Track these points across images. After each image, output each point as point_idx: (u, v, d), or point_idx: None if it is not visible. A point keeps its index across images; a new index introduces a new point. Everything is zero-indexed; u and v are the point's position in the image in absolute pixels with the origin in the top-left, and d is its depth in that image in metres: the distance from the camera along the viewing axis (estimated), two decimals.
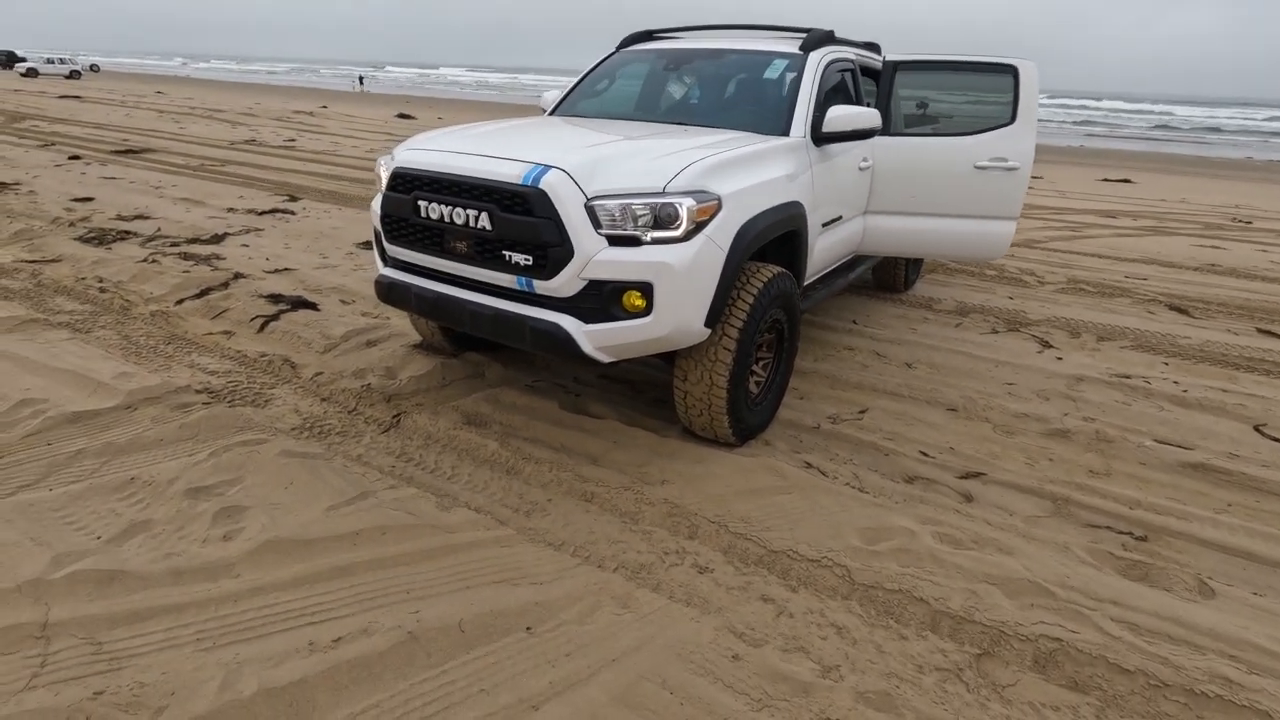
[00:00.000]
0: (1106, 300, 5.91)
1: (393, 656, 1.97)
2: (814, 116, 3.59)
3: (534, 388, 3.72)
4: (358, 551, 2.40)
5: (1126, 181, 14.15)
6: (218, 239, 6.43)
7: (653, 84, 4.26)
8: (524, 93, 52.58)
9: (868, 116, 3.50)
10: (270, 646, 1.99)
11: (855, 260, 4.76)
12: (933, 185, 4.31)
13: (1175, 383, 4.23)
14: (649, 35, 4.48)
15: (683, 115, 3.97)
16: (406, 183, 2.94)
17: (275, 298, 4.84)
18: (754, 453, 3.20)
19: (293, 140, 14.34)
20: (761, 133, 3.50)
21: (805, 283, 3.83)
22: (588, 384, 3.89)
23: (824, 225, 3.82)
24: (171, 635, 2.02)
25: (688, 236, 2.67)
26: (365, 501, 2.66)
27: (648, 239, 2.65)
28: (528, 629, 2.12)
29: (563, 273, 2.65)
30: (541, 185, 2.60)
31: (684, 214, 2.63)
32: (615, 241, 2.65)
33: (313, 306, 4.76)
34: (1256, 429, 3.70)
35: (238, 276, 5.30)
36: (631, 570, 2.43)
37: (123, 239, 6.30)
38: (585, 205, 2.63)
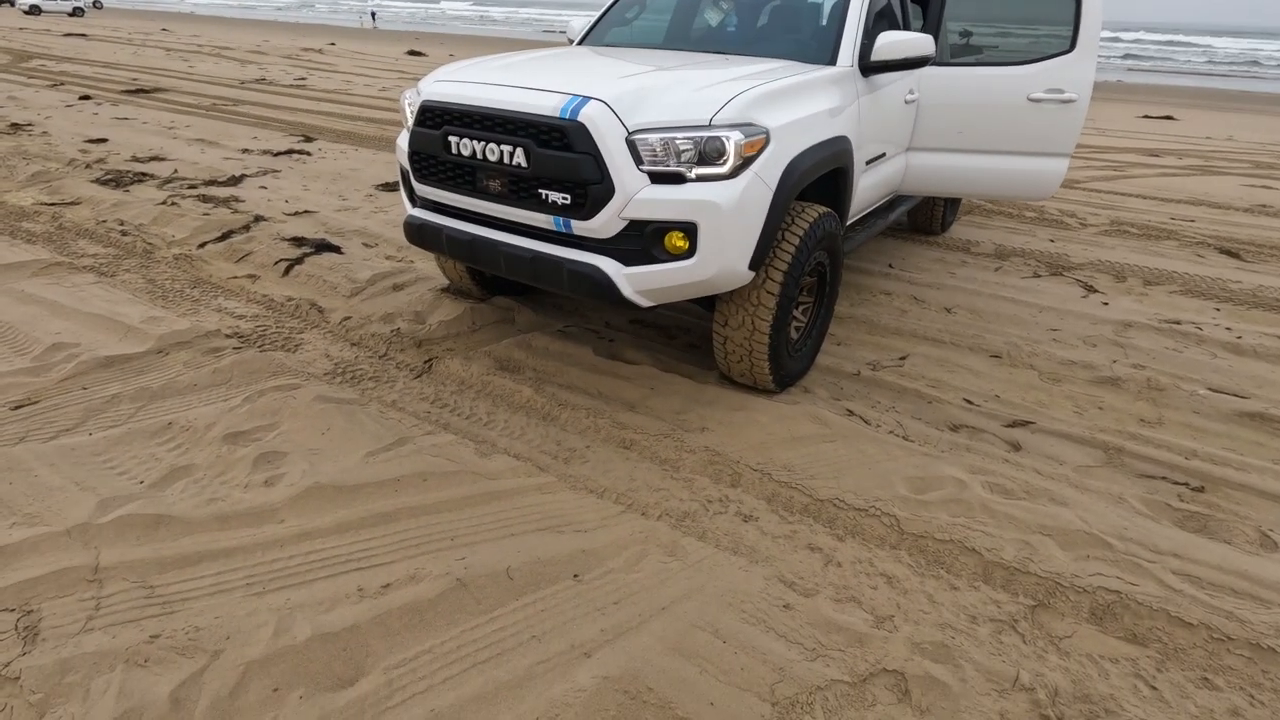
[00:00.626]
0: (1152, 243, 5.67)
1: (442, 603, 1.96)
2: (862, 44, 3.36)
3: (566, 333, 3.65)
4: (400, 498, 2.38)
5: (1169, 119, 13.50)
6: (235, 180, 6.30)
7: (687, 11, 4.01)
8: (529, 28, 50.78)
9: (921, 43, 3.27)
10: (319, 592, 1.99)
11: (895, 201, 4.57)
12: (982, 119, 4.07)
13: (1228, 329, 4.08)
14: None
15: (721, 44, 3.74)
16: (436, 117, 2.80)
17: (298, 240, 4.75)
18: (794, 400, 3.13)
19: (303, 79, 13.96)
20: (806, 61, 3.29)
21: (847, 223, 3.67)
22: (620, 329, 3.80)
23: (868, 163, 3.64)
24: (221, 580, 2.02)
25: (735, 173, 2.53)
26: (404, 448, 2.63)
27: (692, 176, 2.51)
28: (575, 576, 2.11)
29: (602, 212, 2.53)
30: (580, 118, 2.46)
31: (731, 149, 2.49)
32: (658, 179, 2.52)
33: (336, 250, 4.66)
34: None
35: (258, 219, 5.20)
36: (676, 518, 2.40)
37: (140, 181, 6.19)
38: (626, 139, 2.48)
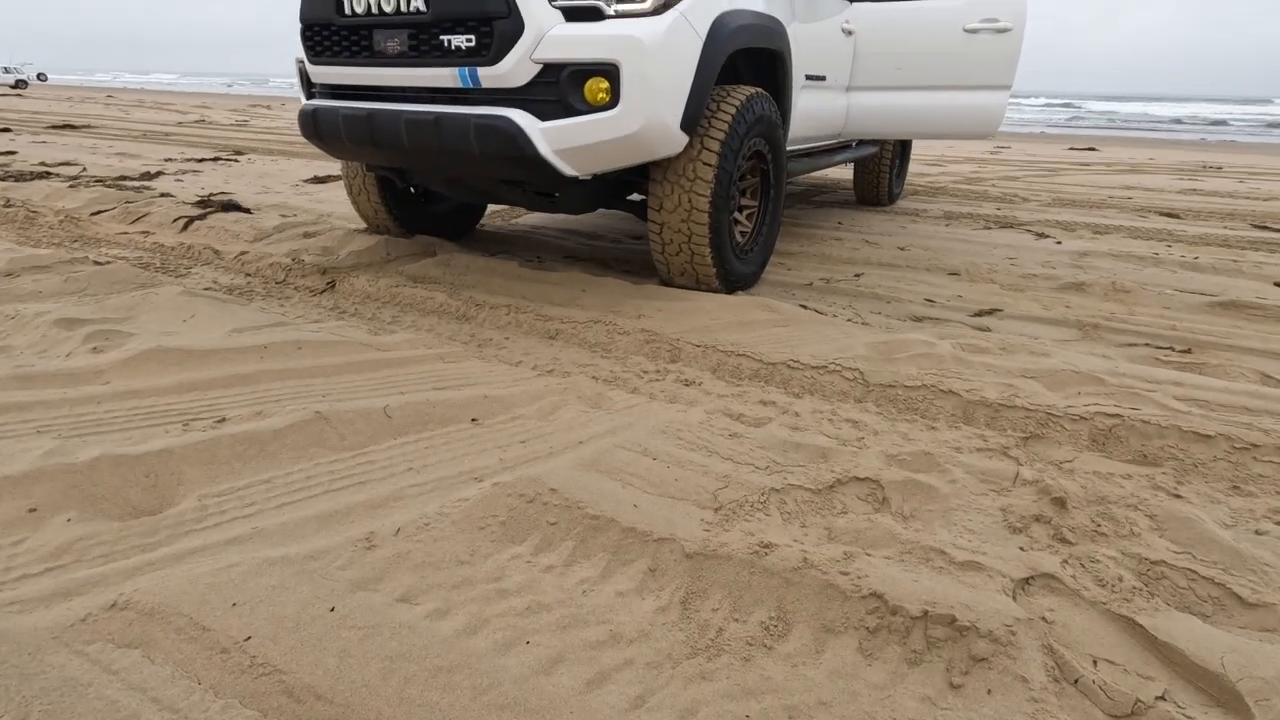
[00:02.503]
0: (1095, 210, 5.68)
1: (294, 435, 1.53)
2: None
3: (493, 256, 3.30)
4: (265, 363, 1.95)
5: (1092, 150, 14.21)
6: (149, 176, 5.90)
7: None
8: None
9: None
10: (133, 435, 1.54)
11: (842, 146, 4.44)
12: (919, 54, 4.01)
13: (1183, 256, 3.96)
14: None
15: None
16: None
17: (203, 203, 4.35)
18: (743, 296, 2.82)
19: (246, 121, 13.77)
20: None
21: (788, 144, 3.48)
22: (553, 260, 3.48)
23: (808, 79, 3.48)
24: (3, 428, 1.55)
25: (658, 10, 2.29)
26: (281, 328, 2.22)
27: (611, 11, 2.27)
28: (473, 420, 1.70)
29: (511, 53, 2.25)
30: None
31: None
32: (572, 15, 2.27)
33: (245, 210, 4.28)
34: (1277, 284, 3.42)
35: (165, 195, 4.80)
36: (603, 380, 2.02)
37: (43, 178, 5.75)
38: None
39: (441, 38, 2.34)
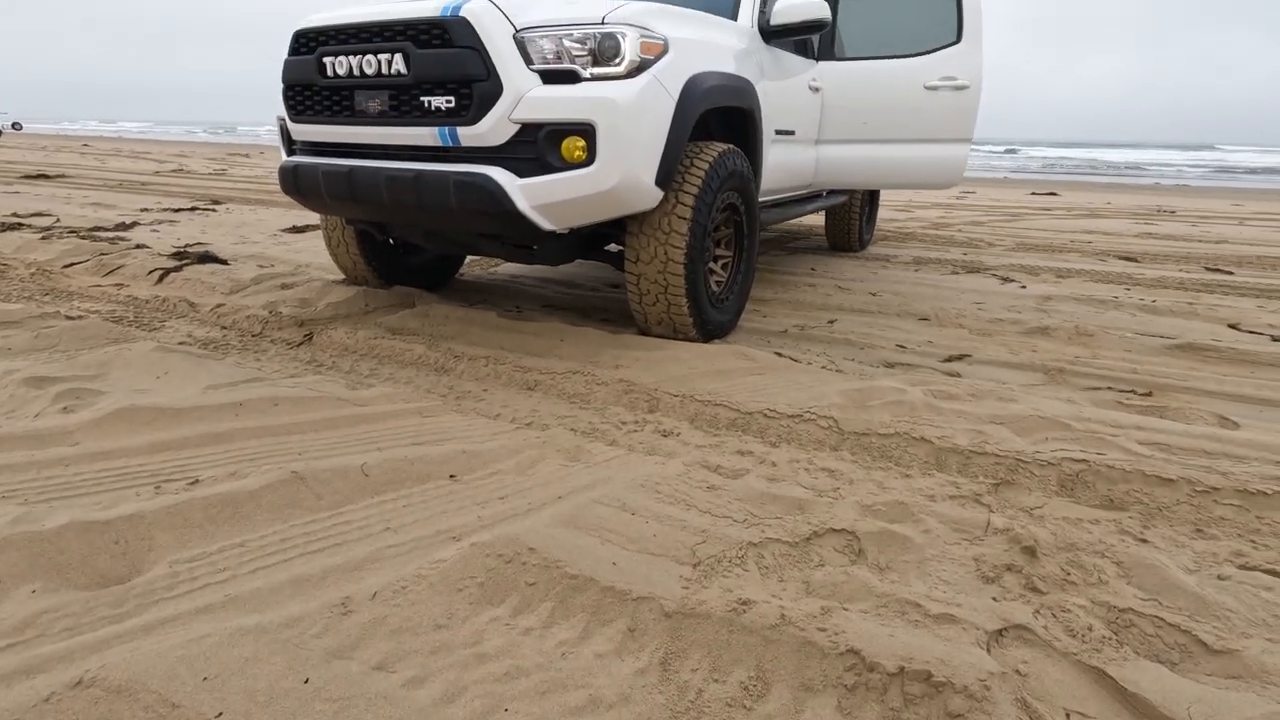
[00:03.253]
0: (1057, 254, 5.88)
1: (269, 495, 1.51)
2: (760, 13, 3.42)
3: (470, 306, 3.33)
4: (240, 420, 1.93)
5: (1053, 194, 14.76)
6: (125, 227, 5.88)
7: None
8: None
9: (815, 7, 3.34)
10: (102, 500, 1.51)
11: (814, 195, 4.58)
12: (884, 109, 4.19)
13: (1142, 299, 4.11)
14: None
15: None
16: (310, 41, 2.60)
17: (179, 254, 4.34)
18: (719, 344, 2.86)
19: (224, 170, 13.82)
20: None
21: (761, 195, 3.59)
22: (532, 314, 3.51)
23: (778, 133, 3.62)
24: None
25: (632, 74, 2.39)
26: (257, 384, 2.21)
27: (587, 75, 2.36)
28: (451, 477, 1.70)
29: (490, 114, 2.32)
30: (463, 13, 2.30)
31: (627, 46, 2.36)
32: (550, 78, 2.35)
33: (221, 262, 4.28)
34: (1231, 326, 3.56)
35: (140, 247, 4.78)
36: (582, 432, 2.03)
37: (14, 229, 5.70)
38: (514, 37, 2.33)
39: (422, 99, 2.40)
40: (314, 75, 2.59)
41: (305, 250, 5.04)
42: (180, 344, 2.69)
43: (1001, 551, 1.43)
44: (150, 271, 3.98)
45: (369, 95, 2.51)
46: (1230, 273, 5.13)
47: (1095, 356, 2.97)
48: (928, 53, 4.15)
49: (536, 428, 2.04)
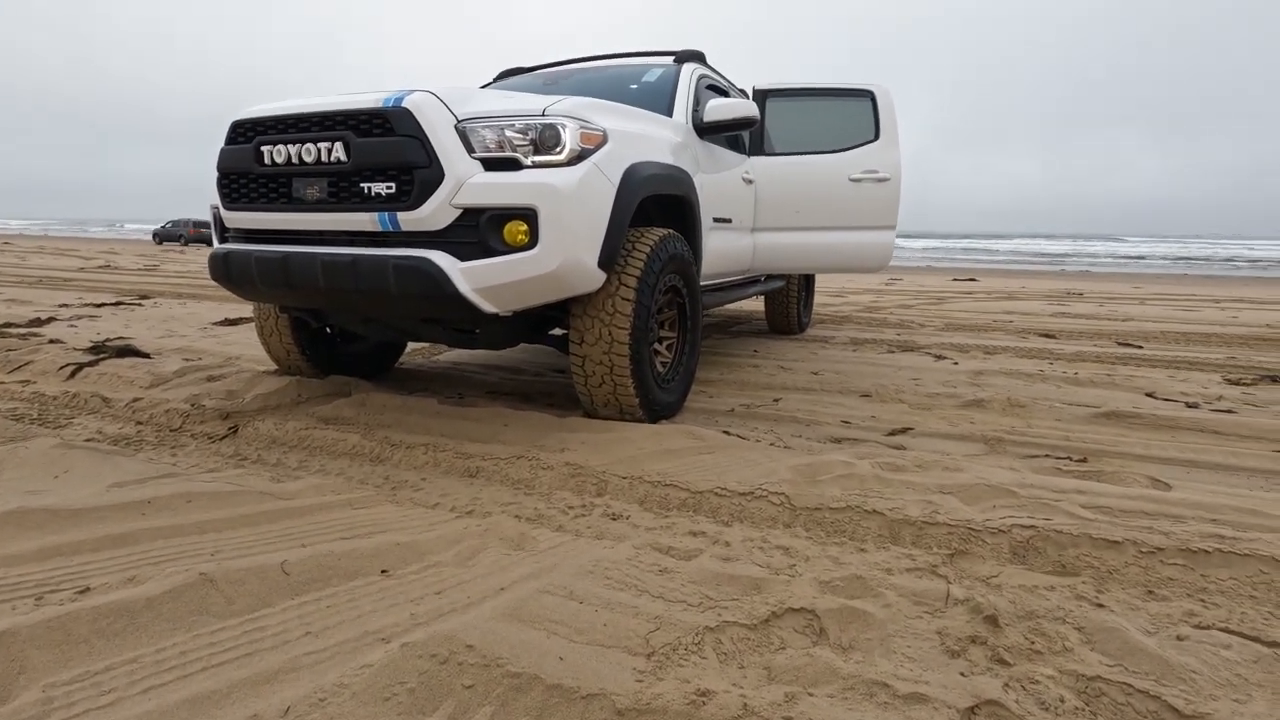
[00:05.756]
0: (983, 333, 6.19)
1: (171, 602, 1.35)
2: (694, 111, 3.63)
3: (410, 394, 3.22)
4: (147, 520, 1.76)
5: (973, 280, 15.77)
6: (39, 323, 5.57)
7: None
8: None
9: (745, 106, 3.57)
10: None
11: (752, 280, 4.73)
12: (813, 200, 4.44)
13: (1064, 372, 4.32)
14: (526, 70, 4.54)
15: None
16: (248, 130, 2.59)
17: (97, 348, 4.10)
18: (667, 425, 2.82)
19: (156, 266, 13.45)
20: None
21: (702, 280, 3.68)
22: (474, 396, 3.42)
23: (715, 221, 3.76)
24: None
25: (573, 161, 2.45)
26: (170, 480, 2.03)
27: (528, 163, 2.41)
28: (383, 572, 1.56)
29: (431, 199, 2.33)
30: (405, 104, 2.34)
31: (567, 136, 2.43)
32: (491, 165, 2.39)
33: (143, 355, 4.06)
34: (1149, 394, 3.76)
35: (54, 342, 4.51)
36: (526, 519, 1.93)
37: None
38: (456, 127, 2.38)
39: (362, 185, 2.40)
40: (250, 163, 2.57)
41: (237, 342, 4.86)
42: (87, 441, 2.48)
43: (964, 623, 1.38)
44: (62, 367, 3.73)
45: (307, 182, 2.50)
46: (1140, 347, 5.48)
47: (1029, 426, 3.06)
48: (850, 149, 4.46)
49: (478, 516, 1.93)
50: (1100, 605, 1.55)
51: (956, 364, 4.58)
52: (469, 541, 1.72)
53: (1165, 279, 17.47)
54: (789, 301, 5.66)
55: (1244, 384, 4.08)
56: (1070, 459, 2.56)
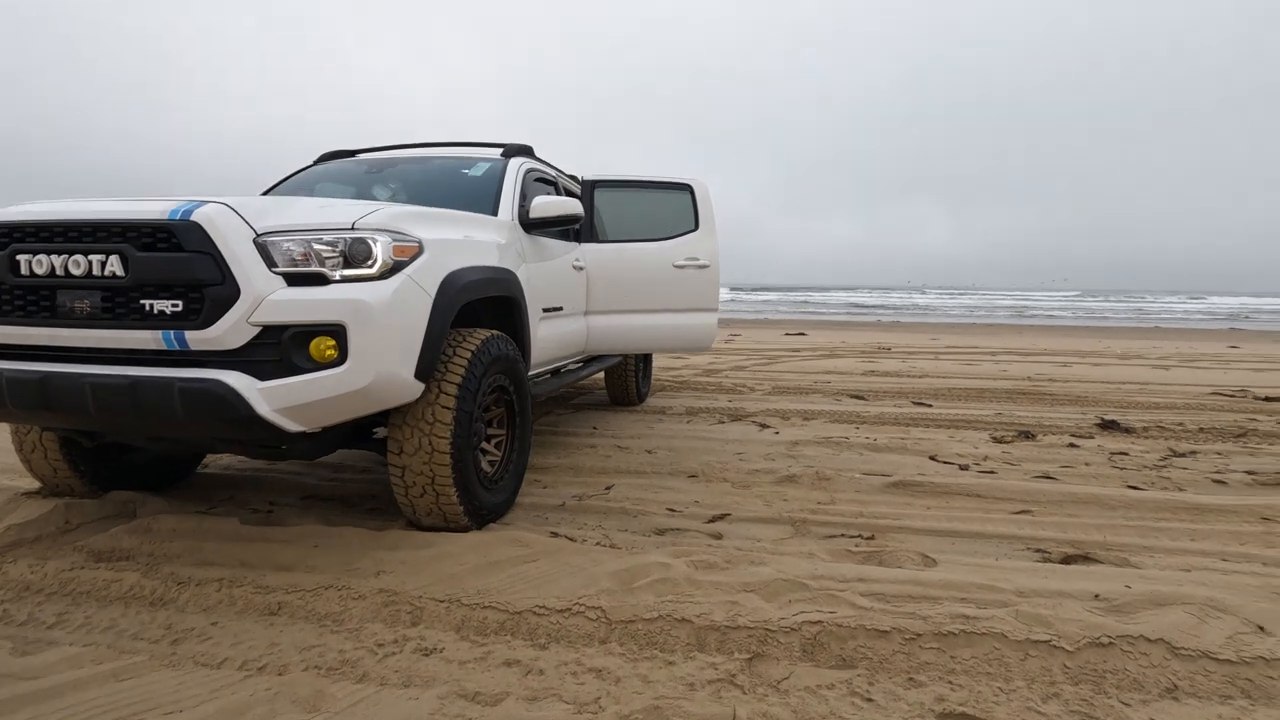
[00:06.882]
0: (804, 396, 6.76)
1: None
2: (520, 207, 3.73)
3: (208, 514, 2.93)
4: None
5: (802, 334, 17.22)
6: None
7: (356, 189, 4.14)
8: None
9: (571, 204, 3.73)
10: None
11: (590, 360, 4.85)
12: (641, 284, 4.68)
13: (866, 438, 4.83)
14: (348, 153, 4.44)
15: None
16: (2, 236, 2.31)
17: None
18: (493, 530, 2.80)
19: None
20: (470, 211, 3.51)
21: (533, 369, 3.73)
22: (287, 505, 3.18)
23: (545, 312, 3.84)
24: None
25: (385, 275, 2.42)
26: None
27: (337, 277, 2.35)
28: None
29: (225, 318, 2.19)
30: (195, 218, 2.20)
31: (379, 250, 2.41)
32: (296, 280, 2.30)
33: None
34: (931, 458, 4.29)
35: None
36: (326, 669, 1.82)
37: None
38: (255, 241, 2.27)
39: (143, 302, 2.21)
40: (5, 273, 2.27)
41: None
42: None
43: None
44: None
45: (76, 295, 2.25)
46: (930, 405, 6.26)
47: (833, 501, 3.38)
48: (673, 237, 4.79)
49: (270, 672, 1.79)
50: (870, 699, 1.73)
51: (778, 434, 4.96)
52: (256, 710, 1.59)
53: (957, 328, 20.07)
54: (627, 375, 5.86)
55: (1005, 441, 4.79)
56: (861, 537, 2.86)
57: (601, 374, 6.94)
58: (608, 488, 3.54)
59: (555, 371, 4.29)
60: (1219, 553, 2.71)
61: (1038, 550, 2.72)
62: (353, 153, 4.43)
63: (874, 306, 37.67)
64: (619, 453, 4.31)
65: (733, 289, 55.83)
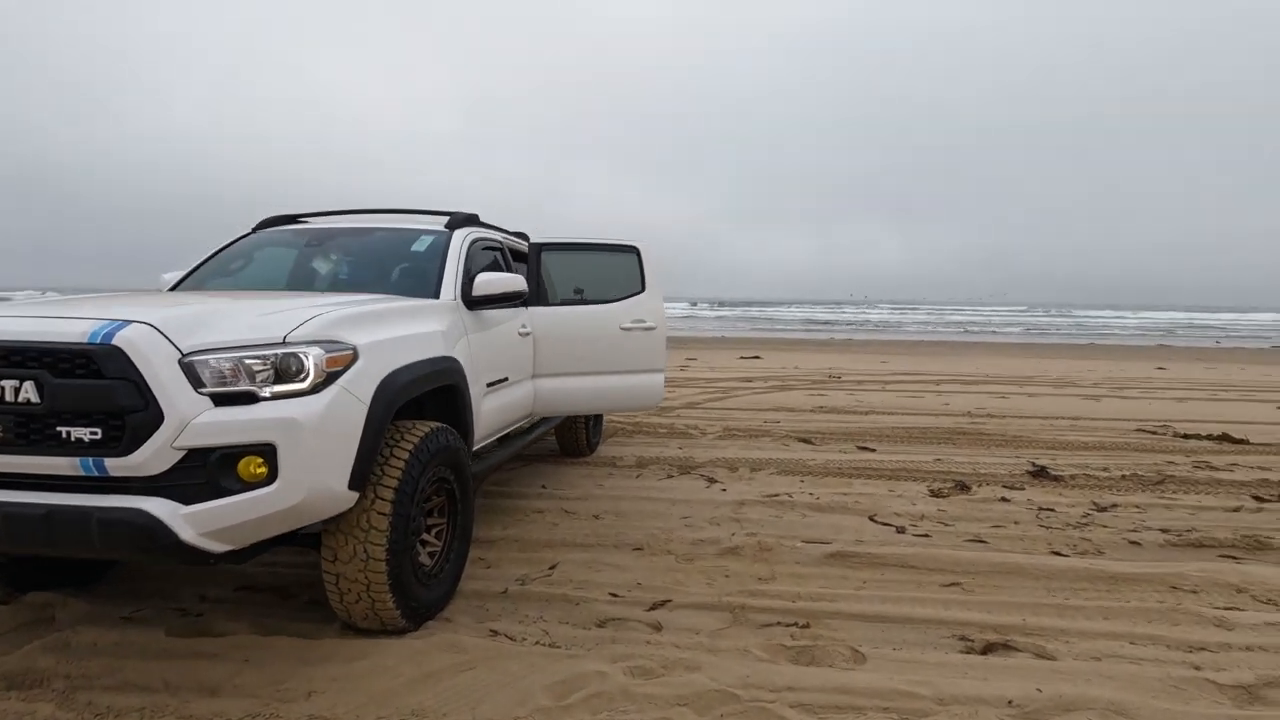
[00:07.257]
0: (754, 440, 6.88)
1: None
2: (464, 283, 3.73)
3: (132, 620, 2.84)
4: None
5: (757, 357, 17.48)
6: None
7: (295, 262, 4.08)
8: None
9: (515, 281, 3.75)
10: None
11: (536, 423, 4.85)
12: (588, 346, 4.71)
13: (810, 494, 4.94)
14: (290, 219, 4.37)
15: (329, 289, 3.81)
16: None
17: None
18: (430, 632, 2.78)
19: None
20: (413, 297, 3.49)
21: (478, 444, 3.73)
22: (220, 601, 3.10)
23: (490, 385, 3.84)
24: None
25: (317, 389, 2.40)
26: None
27: (267, 394, 2.32)
28: None
29: (148, 444, 2.14)
30: (115, 341, 2.15)
31: (311, 364, 2.38)
32: (223, 400, 2.26)
33: None
34: (870, 519, 4.42)
35: None
36: None
37: None
38: (180, 362, 2.23)
39: (59, 429, 2.15)
40: None
41: None
42: None
43: None
44: None
45: None
46: (874, 450, 6.44)
47: (774, 576, 3.46)
48: (620, 299, 4.84)
49: None
50: None
51: (725, 490, 5.04)
52: None
53: (905, 346, 20.66)
54: (578, 427, 5.87)
55: (941, 495, 4.96)
56: (796, 625, 2.93)
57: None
58: (551, 568, 3.55)
59: (503, 439, 4.28)
60: (1128, 634, 2.87)
61: (961, 639, 2.83)
62: (293, 218, 4.36)
63: (828, 322, 38.51)
64: (566, 519, 4.32)
65: (692, 304, 56.33)
